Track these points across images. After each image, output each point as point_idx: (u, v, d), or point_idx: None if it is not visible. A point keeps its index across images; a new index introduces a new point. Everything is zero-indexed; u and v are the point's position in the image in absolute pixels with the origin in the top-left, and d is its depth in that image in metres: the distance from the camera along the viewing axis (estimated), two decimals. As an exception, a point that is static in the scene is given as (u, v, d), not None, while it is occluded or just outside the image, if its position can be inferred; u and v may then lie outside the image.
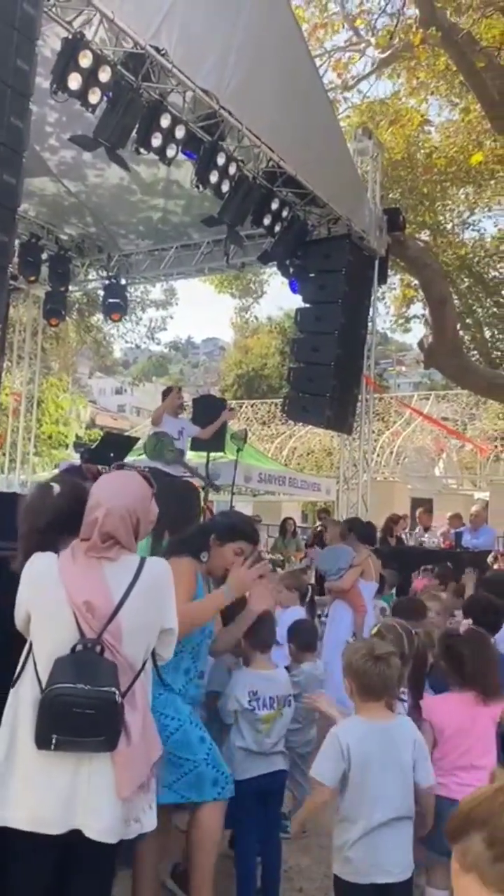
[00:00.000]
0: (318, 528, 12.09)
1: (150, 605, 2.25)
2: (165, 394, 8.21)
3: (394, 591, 7.33)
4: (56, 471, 11.23)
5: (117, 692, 2.10)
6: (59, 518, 2.37)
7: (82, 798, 2.12)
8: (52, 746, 2.06)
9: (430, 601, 4.33)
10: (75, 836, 2.11)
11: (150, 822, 2.27)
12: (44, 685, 2.09)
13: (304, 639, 4.26)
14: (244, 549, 3.17)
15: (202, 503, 9.39)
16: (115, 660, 2.14)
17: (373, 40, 11.78)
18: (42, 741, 2.07)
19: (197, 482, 7.71)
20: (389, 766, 2.58)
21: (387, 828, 2.54)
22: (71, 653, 2.12)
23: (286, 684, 3.35)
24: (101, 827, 2.12)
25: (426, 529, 10.76)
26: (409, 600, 4.86)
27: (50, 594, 2.17)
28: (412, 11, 10.56)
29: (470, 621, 3.92)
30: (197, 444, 8.75)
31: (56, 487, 2.53)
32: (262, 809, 3.21)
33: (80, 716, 2.06)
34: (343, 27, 11.96)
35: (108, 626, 2.15)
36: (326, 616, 6.24)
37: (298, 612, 4.66)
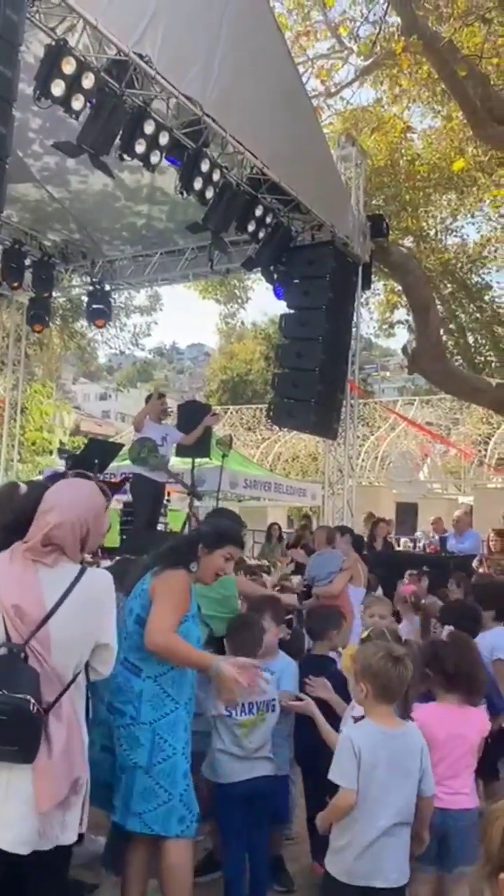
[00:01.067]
0: (299, 532, 12.14)
1: (85, 617, 2.18)
2: (148, 399, 8.18)
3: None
4: (40, 477, 11.17)
5: (33, 701, 2.02)
6: (21, 519, 2.34)
7: None
8: None
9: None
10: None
11: (68, 836, 2.19)
12: None
13: (297, 645, 4.28)
14: (233, 553, 3.16)
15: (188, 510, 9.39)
16: (40, 669, 2.08)
17: (355, 48, 11.87)
18: None
19: (179, 489, 7.72)
20: (397, 772, 2.58)
21: (389, 834, 2.54)
22: None
23: (270, 690, 3.30)
24: (13, 839, 2.06)
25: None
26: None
27: None
28: (394, 20, 10.63)
29: (451, 628, 3.93)
30: (182, 450, 8.73)
31: (23, 487, 2.51)
32: (249, 815, 3.18)
33: None
34: (326, 35, 12.03)
35: (37, 633, 2.09)
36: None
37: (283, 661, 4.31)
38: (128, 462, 7.87)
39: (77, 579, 2.18)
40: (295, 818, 3.93)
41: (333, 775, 2.57)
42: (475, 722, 3.01)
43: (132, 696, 2.82)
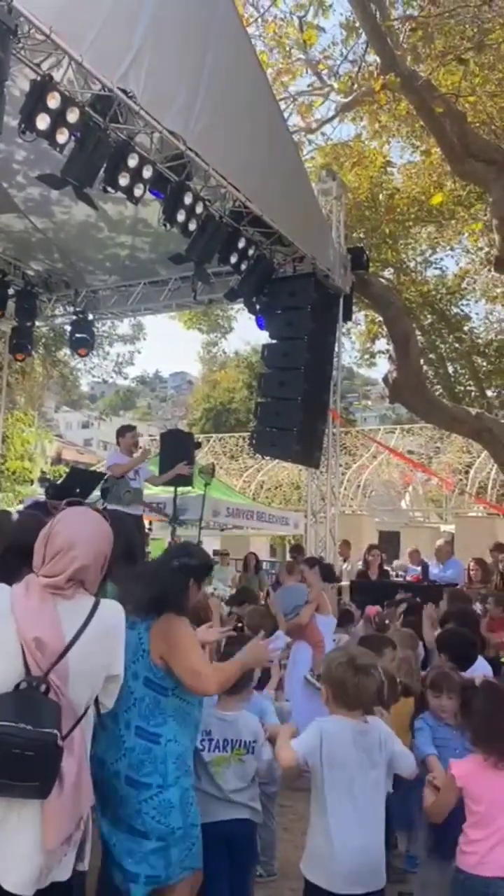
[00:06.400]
0: (290, 565, 12.06)
1: (100, 649, 2.19)
2: (120, 433, 8.21)
3: (360, 623, 7.33)
4: (21, 507, 11.07)
5: (59, 735, 2.01)
6: (19, 547, 2.32)
7: (2, 849, 2.01)
8: None
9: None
10: None
11: (63, 873, 2.15)
12: None
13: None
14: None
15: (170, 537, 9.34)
16: (59, 701, 2.06)
17: (335, 85, 12.11)
18: None
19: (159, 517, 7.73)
20: (365, 768, 2.63)
21: (360, 838, 2.57)
22: (14, 690, 2.03)
23: (248, 729, 3.20)
24: (19, 880, 2.01)
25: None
26: (376, 637, 4.85)
27: None
28: (373, 58, 10.90)
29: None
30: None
31: (14, 514, 2.50)
32: (230, 858, 3.10)
33: (18, 757, 1.94)
34: (306, 72, 12.29)
35: (56, 666, 2.08)
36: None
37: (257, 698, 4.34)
38: (102, 502, 7.89)
39: (93, 611, 2.19)
40: (278, 853, 3.88)
41: (295, 742, 2.69)
42: None
43: (156, 764, 2.73)
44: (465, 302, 17.82)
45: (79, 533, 2.27)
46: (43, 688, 2.05)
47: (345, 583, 9.59)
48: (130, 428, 8.36)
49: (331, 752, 2.61)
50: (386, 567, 10.59)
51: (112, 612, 2.27)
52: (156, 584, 2.91)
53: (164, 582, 2.93)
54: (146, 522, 12.02)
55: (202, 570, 3.10)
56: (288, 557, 12.80)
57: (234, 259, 8.29)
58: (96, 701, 2.26)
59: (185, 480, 9.18)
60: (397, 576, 10.78)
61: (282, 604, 6.18)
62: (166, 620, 2.80)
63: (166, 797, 2.70)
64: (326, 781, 2.62)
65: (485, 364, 18.52)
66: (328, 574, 6.62)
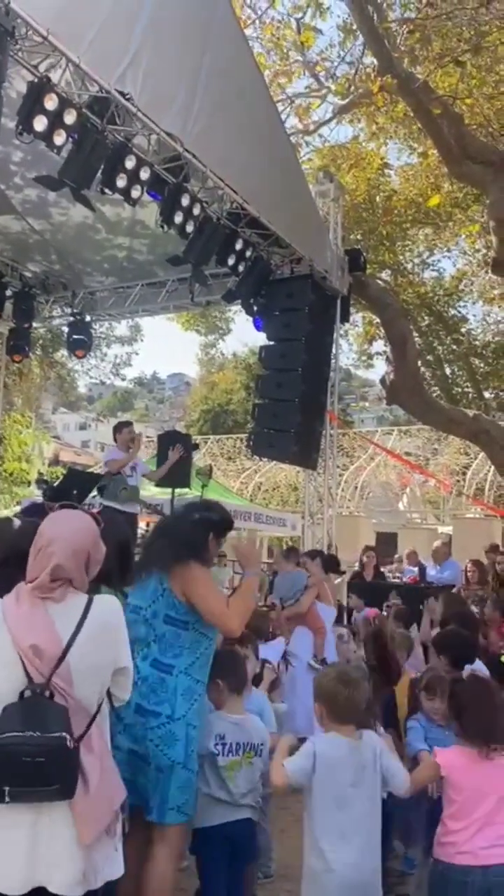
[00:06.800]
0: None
1: (101, 645, 2.20)
2: (116, 429, 8.20)
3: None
4: (17, 509, 11.06)
5: (69, 737, 2.03)
6: (18, 555, 2.33)
7: (43, 851, 2.03)
8: (6, 799, 1.97)
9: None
10: (41, 892, 2.02)
11: (116, 870, 2.18)
12: None
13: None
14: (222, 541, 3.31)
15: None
16: (66, 703, 2.08)
17: (333, 87, 12.13)
18: None
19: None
20: (359, 784, 2.66)
21: (353, 855, 2.59)
22: (19, 699, 2.05)
23: (257, 732, 3.23)
24: (65, 880, 2.03)
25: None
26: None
27: None
28: (370, 60, 10.91)
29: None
30: (162, 480, 8.72)
31: (16, 522, 2.50)
32: (230, 861, 3.10)
33: (30, 765, 1.97)
34: (304, 74, 12.30)
35: (58, 670, 2.08)
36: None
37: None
38: (98, 498, 7.88)
39: (87, 609, 2.20)
40: (273, 855, 3.87)
41: (287, 763, 2.72)
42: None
43: (167, 694, 2.86)
44: (462, 304, 17.89)
45: (58, 531, 2.29)
46: (48, 693, 2.07)
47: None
48: (127, 424, 8.33)
49: (324, 772, 2.66)
50: (382, 568, 10.58)
51: (108, 606, 2.28)
52: (176, 533, 3.11)
53: (185, 532, 3.10)
54: (143, 523, 12.01)
55: (221, 524, 3.20)
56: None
57: (231, 261, 8.29)
58: (109, 695, 2.26)
59: (183, 481, 9.17)
60: (394, 577, 10.77)
61: (282, 591, 6.16)
62: (186, 565, 2.94)
63: (171, 729, 2.81)
64: (317, 801, 2.66)
65: (482, 366, 18.57)
66: (331, 565, 6.61)
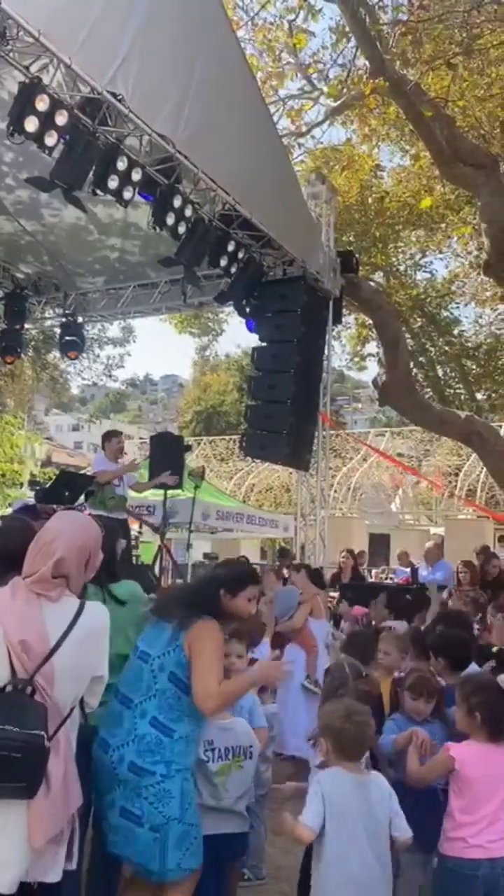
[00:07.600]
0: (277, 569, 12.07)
1: (85, 650, 2.22)
2: (105, 438, 8.18)
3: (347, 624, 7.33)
4: (9, 510, 11.03)
5: (45, 736, 2.04)
6: (2, 552, 2.34)
7: None
8: None
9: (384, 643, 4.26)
10: None
11: (53, 874, 2.16)
12: None
13: None
14: (254, 594, 3.20)
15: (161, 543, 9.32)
16: (45, 703, 2.09)
17: (325, 89, 12.15)
18: None
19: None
20: (365, 819, 2.61)
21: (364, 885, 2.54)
22: (0, 692, 2.06)
23: (245, 735, 3.21)
24: (7, 879, 2.04)
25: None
26: (362, 634, 4.84)
27: None
28: (363, 62, 10.93)
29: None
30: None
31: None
32: (218, 874, 3.08)
33: (4, 759, 1.97)
34: (296, 76, 12.31)
35: (42, 668, 2.10)
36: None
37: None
38: (85, 505, 7.88)
39: (78, 614, 2.22)
40: (266, 857, 3.87)
41: (304, 815, 2.60)
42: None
43: (163, 755, 2.77)
44: (454, 305, 17.93)
45: (65, 527, 2.33)
46: (29, 690, 2.08)
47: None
48: (116, 433, 8.32)
49: (333, 807, 2.61)
50: (373, 571, 10.59)
51: (97, 614, 2.30)
52: (190, 593, 3.27)
53: (196, 589, 3.31)
54: (135, 526, 12.00)
55: (231, 580, 3.13)
56: (275, 562, 12.79)
57: (223, 262, 8.28)
58: (81, 701, 2.28)
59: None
60: (387, 578, 10.79)
61: (276, 608, 6.12)
62: (201, 623, 2.90)
63: (166, 787, 2.74)
64: (329, 833, 2.60)
65: (474, 367, 18.61)
66: (316, 579, 6.59)
